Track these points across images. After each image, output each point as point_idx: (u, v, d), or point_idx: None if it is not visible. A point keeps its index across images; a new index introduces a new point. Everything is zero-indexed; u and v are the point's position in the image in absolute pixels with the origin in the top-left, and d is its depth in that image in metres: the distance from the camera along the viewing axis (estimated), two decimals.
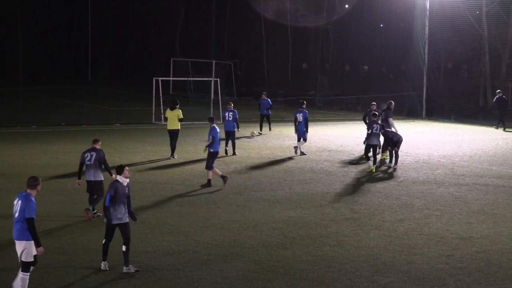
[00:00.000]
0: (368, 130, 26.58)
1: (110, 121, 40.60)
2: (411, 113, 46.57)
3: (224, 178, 22.81)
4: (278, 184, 23.43)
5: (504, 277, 14.42)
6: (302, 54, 63.63)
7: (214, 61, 55.38)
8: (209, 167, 22.65)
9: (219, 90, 43.36)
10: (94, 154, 18.69)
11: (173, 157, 28.36)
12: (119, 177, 14.57)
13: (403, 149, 30.98)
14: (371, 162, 26.44)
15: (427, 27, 47.11)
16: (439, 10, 46.96)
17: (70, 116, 42.26)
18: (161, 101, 40.81)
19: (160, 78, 42.53)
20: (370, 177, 25.03)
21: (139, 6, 76.88)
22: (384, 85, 51.18)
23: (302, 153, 29.45)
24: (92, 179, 18.64)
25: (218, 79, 45.10)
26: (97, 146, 19.06)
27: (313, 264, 15.01)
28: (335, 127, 40.39)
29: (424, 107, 47.16)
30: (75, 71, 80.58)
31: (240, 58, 64.43)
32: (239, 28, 68.42)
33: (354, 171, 26.16)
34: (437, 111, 46.68)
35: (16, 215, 12.60)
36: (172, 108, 28.83)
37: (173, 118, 28.62)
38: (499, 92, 41.48)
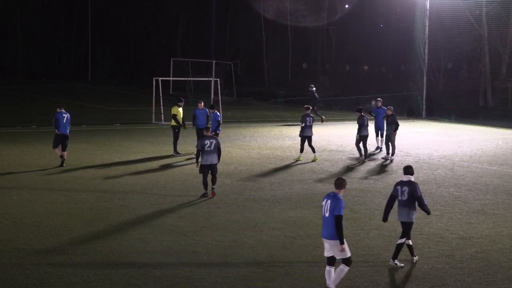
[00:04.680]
0: (302, 124, 28.08)
1: (110, 121, 40.61)
2: (411, 113, 46.58)
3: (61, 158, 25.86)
4: (278, 184, 23.44)
5: (504, 277, 14.43)
6: (302, 54, 63.62)
7: (214, 61, 55.38)
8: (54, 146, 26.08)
9: (219, 91, 43.36)
10: (214, 141, 20.83)
11: (173, 154, 28.81)
12: (410, 177, 15.01)
13: (403, 149, 31.14)
14: (300, 153, 28.14)
15: (427, 27, 47.10)
16: (439, 10, 46.94)
17: (70, 116, 42.22)
18: (161, 101, 40.82)
19: (160, 78, 42.55)
20: (370, 177, 25.04)
21: (139, 6, 76.89)
22: (384, 85, 51.18)
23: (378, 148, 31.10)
24: (211, 163, 20.81)
25: (218, 79, 45.11)
26: (210, 134, 21.24)
27: (313, 264, 15.01)
28: (335, 127, 40.39)
29: (424, 107, 47.17)
30: (75, 71, 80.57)
31: (240, 58, 64.42)
32: (239, 28, 68.43)
33: (354, 171, 26.18)
34: (437, 111, 46.69)
35: (327, 214, 13.30)
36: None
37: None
38: (312, 87, 42.21)
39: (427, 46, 47.32)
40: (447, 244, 16.61)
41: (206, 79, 48.99)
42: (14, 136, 33.70)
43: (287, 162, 27.85)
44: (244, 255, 15.56)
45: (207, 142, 20.84)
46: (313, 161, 27.97)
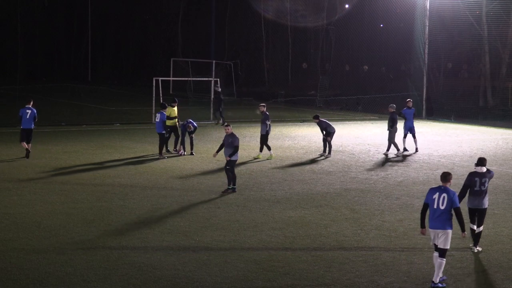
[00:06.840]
0: (268, 122, 29.22)
1: (110, 121, 40.62)
2: None
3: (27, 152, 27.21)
4: (278, 184, 23.44)
5: (504, 277, 14.43)
6: (302, 54, 63.63)
7: (214, 61, 55.40)
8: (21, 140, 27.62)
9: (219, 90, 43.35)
10: (230, 139, 21.70)
11: (174, 151, 29.21)
12: (483, 168, 16.40)
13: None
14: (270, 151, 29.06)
15: (427, 27, 47.11)
16: (439, 10, 46.98)
17: (70, 116, 42.27)
18: (161, 101, 40.82)
19: (160, 78, 42.56)
20: (370, 177, 25.04)
21: (139, 6, 76.91)
22: (384, 85, 51.17)
23: (405, 149, 30.79)
24: (228, 158, 21.68)
25: (218, 79, 45.14)
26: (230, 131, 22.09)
27: (313, 264, 15.01)
28: (335, 127, 40.29)
29: (424, 107, 47.17)
30: (75, 71, 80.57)
31: (240, 58, 64.41)
32: (239, 28, 68.42)
33: (354, 171, 26.18)
34: (437, 111, 46.70)
35: (442, 206, 13.95)
36: None
37: None
38: (217, 87, 42.13)
39: (427, 46, 47.32)
40: None
41: (206, 79, 48.99)
42: (14, 136, 33.66)
43: (287, 162, 27.85)
44: (244, 255, 15.57)
45: (228, 138, 21.98)
46: (270, 157, 28.64)
